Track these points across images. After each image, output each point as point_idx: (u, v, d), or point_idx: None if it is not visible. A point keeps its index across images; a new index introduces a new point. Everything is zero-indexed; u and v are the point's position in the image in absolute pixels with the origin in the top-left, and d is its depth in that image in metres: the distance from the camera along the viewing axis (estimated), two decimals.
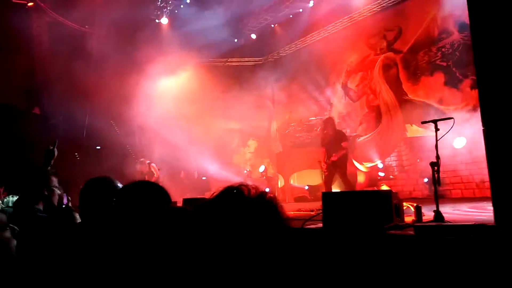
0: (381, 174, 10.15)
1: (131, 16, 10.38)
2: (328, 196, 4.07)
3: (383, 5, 10.38)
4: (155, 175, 9.61)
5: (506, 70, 3.16)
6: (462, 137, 8.05)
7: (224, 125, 12.38)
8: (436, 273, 2.82)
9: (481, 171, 7.53)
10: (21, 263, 1.96)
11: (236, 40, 13.01)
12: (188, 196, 8.82)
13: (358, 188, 9.51)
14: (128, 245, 1.44)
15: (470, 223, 3.00)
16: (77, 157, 11.01)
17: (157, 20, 12.00)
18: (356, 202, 3.70)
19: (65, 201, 3.01)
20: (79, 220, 2.34)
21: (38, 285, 1.79)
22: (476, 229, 2.87)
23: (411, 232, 3.20)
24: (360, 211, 3.58)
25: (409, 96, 9.90)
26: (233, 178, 11.95)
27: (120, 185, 2.16)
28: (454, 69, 8.98)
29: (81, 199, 2.13)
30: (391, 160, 10.28)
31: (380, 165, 10.23)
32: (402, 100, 10.01)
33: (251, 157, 13.54)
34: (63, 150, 3.32)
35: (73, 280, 1.67)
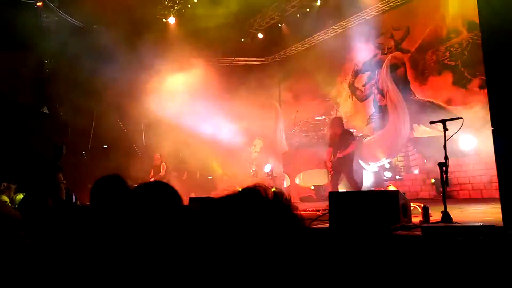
0: (388, 174, 10.09)
1: (138, 15, 10.42)
2: (335, 196, 4.06)
3: (391, 4, 10.32)
4: (161, 173, 9.70)
5: None
6: (470, 137, 7.99)
7: (231, 125, 12.38)
8: (444, 274, 2.80)
9: (489, 172, 7.47)
10: (33, 260, 1.97)
11: (243, 40, 13.01)
12: (193, 195, 8.86)
13: (364, 188, 9.47)
14: (139, 243, 1.45)
15: (478, 224, 2.97)
16: (84, 156, 11.08)
17: (164, 20, 12.03)
18: (363, 202, 3.69)
19: (73, 199, 3.04)
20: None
21: (50, 281, 1.80)
22: (485, 230, 2.84)
23: (419, 233, 3.19)
24: (367, 211, 3.57)
25: (417, 96, 9.84)
26: (239, 178, 11.97)
27: (131, 183, 2.17)
28: (462, 68, 8.90)
29: (91, 196, 2.14)
30: (398, 161, 10.22)
31: (387, 165, 10.17)
32: (410, 100, 9.95)
33: (257, 156, 13.54)
34: (71, 149, 3.34)
35: (83, 277, 1.68)
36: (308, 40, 12.40)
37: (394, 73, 10.45)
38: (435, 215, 4.09)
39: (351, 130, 8.38)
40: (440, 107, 9.13)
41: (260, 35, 12.95)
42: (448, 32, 9.27)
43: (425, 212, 3.90)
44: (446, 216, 3.75)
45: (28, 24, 9.23)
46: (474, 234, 2.82)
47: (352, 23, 11.18)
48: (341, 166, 7.10)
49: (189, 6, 11.74)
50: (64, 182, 2.76)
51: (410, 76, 10.09)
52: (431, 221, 3.85)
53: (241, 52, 13.15)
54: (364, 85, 11.30)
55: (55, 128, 9.74)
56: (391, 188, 9.04)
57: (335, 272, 3.13)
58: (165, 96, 10.96)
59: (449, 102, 9.02)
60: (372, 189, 9.65)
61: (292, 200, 1.00)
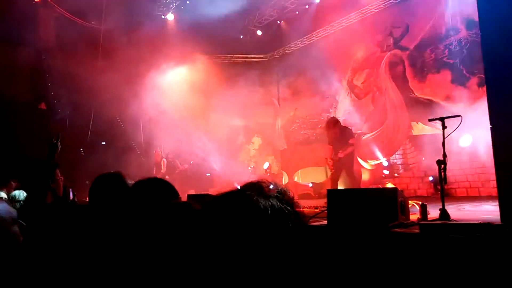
0: (386, 172, 10.11)
1: (136, 12, 10.39)
2: (333, 193, 4.06)
3: (390, 1, 10.31)
4: (162, 171, 9.69)
5: None
6: (468, 135, 8.00)
7: (229, 122, 12.37)
8: (442, 272, 2.80)
9: (487, 170, 7.48)
10: (30, 257, 1.97)
11: (241, 37, 12.98)
12: (193, 192, 8.85)
13: (362, 186, 9.48)
14: (138, 240, 1.44)
15: (476, 222, 2.98)
16: (82, 152, 11.06)
17: (163, 16, 11.99)
18: (361, 199, 3.69)
19: (70, 196, 3.03)
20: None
21: (46, 280, 1.80)
22: (482, 227, 2.85)
23: (416, 230, 3.19)
24: (365, 209, 3.57)
25: (416, 93, 9.84)
26: (237, 175, 11.97)
27: (130, 181, 2.16)
28: (461, 66, 8.91)
29: (91, 194, 2.13)
30: (396, 158, 10.24)
31: (385, 163, 10.19)
32: (408, 98, 9.95)
33: (256, 153, 13.54)
34: (68, 146, 3.33)
35: (81, 275, 1.67)
36: (307, 37, 12.38)
37: (393, 71, 10.45)
38: (433, 212, 4.10)
39: (349, 128, 8.39)
40: (438, 105, 9.14)
41: (259, 32, 12.92)
42: (447, 30, 9.26)
43: (423, 210, 3.91)
44: (444, 213, 3.76)
45: (25, 19, 9.19)
46: (472, 232, 2.83)
47: (351, 20, 11.16)
48: (343, 164, 7.14)
49: (187, 2, 11.70)
50: (62, 178, 2.75)
51: (409, 74, 10.09)
52: (429, 219, 3.86)
53: (239, 49, 13.12)
54: (363, 83, 11.29)
55: (52, 124, 9.72)
56: (389, 185, 9.07)
57: (333, 269, 3.14)
58: (164, 93, 10.94)
59: (447, 100, 9.03)
60: (370, 186, 9.67)
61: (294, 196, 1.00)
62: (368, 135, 10.77)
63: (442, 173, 3.87)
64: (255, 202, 0.91)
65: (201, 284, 0.89)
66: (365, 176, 10.39)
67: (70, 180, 2.95)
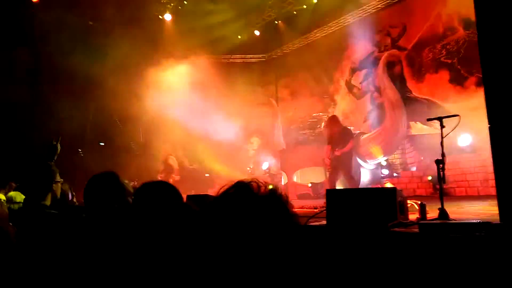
0: (385, 171, 10.11)
1: (134, 12, 10.38)
2: (332, 193, 4.06)
3: (388, 1, 10.33)
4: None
5: None
6: (466, 135, 8.01)
7: (228, 122, 12.36)
8: (441, 271, 2.81)
9: (486, 169, 7.49)
10: (26, 259, 1.96)
11: (239, 37, 12.97)
12: (193, 192, 8.84)
13: (361, 186, 9.48)
14: (136, 242, 1.44)
15: (475, 221, 2.98)
16: (81, 153, 11.04)
17: (160, 16, 11.98)
18: (360, 199, 3.69)
19: (69, 196, 3.02)
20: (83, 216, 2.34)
21: (44, 281, 1.80)
22: (481, 227, 2.85)
23: (416, 230, 3.19)
24: (364, 209, 3.57)
25: (414, 93, 9.86)
26: (236, 175, 11.95)
27: (125, 181, 2.16)
28: (459, 66, 8.93)
29: (86, 194, 2.13)
30: (395, 158, 10.25)
31: (384, 163, 10.20)
32: (407, 98, 9.97)
33: (255, 154, 13.53)
34: (67, 146, 3.32)
35: (79, 276, 1.67)
36: (305, 37, 12.38)
37: (390, 71, 10.47)
38: (432, 212, 4.10)
39: (349, 128, 8.39)
40: (436, 104, 9.16)
41: (257, 32, 12.92)
42: (445, 29, 9.28)
43: (422, 209, 3.91)
44: (443, 213, 3.76)
45: (24, 20, 9.17)
46: (471, 231, 2.83)
47: (348, 20, 11.18)
48: (340, 163, 7.12)
49: (185, 2, 11.70)
50: (62, 180, 2.74)
51: (406, 74, 10.11)
52: (428, 218, 3.86)
53: (237, 49, 13.11)
54: (361, 83, 11.30)
55: (51, 125, 9.69)
56: (388, 185, 9.07)
57: (333, 269, 3.15)
58: (162, 94, 10.92)
59: (445, 99, 9.05)
60: (369, 186, 9.68)
61: (288, 196, 1.00)
62: (366, 135, 10.78)
63: (441, 173, 3.87)
64: (243, 204, 0.91)
65: (199, 284, 0.89)
66: (363, 176, 10.40)
67: (68, 180, 2.94)
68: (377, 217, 3.48)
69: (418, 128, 9.56)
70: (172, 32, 11.85)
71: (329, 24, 11.61)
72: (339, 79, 11.87)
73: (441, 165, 3.88)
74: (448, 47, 9.21)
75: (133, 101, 10.53)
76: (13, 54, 9.42)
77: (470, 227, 2.88)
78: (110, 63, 9.51)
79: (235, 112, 11.93)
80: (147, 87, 10.80)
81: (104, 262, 1.57)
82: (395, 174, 10.06)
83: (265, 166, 12.68)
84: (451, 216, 3.78)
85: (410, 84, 9.98)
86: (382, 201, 3.56)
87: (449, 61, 9.15)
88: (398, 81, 10.24)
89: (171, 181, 10.68)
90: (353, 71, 11.52)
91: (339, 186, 7.61)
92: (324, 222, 3.88)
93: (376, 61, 10.84)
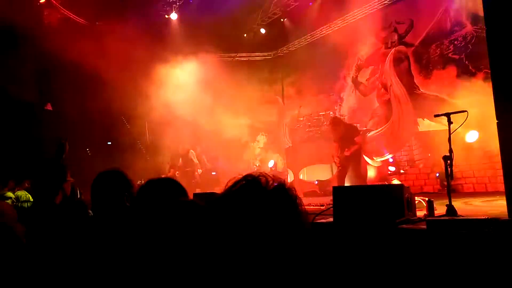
0: (392, 168, 10.07)
1: (140, 11, 10.42)
2: (339, 191, 4.05)
3: None
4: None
5: None
6: (474, 131, 7.95)
7: (234, 120, 12.37)
8: (449, 268, 2.79)
9: (494, 165, 7.43)
10: (36, 258, 1.98)
11: (245, 35, 12.97)
12: (198, 191, 8.87)
13: (368, 182, 9.45)
14: (142, 239, 1.45)
15: (483, 217, 2.96)
16: (88, 152, 11.12)
17: (166, 16, 12.01)
18: (367, 196, 3.68)
19: (77, 195, 3.05)
20: (91, 214, 2.36)
21: (51, 278, 1.81)
22: (489, 223, 2.83)
23: (423, 227, 3.18)
24: (371, 206, 3.56)
25: (421, 89, 9.79)
26: (243, 173, 11.94)
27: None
28: (466, 62, 8.85)
29: (92, 191, 2.14)
30: (402, 155, 10.19)
31: (391, 160, 10.15)
32: (414, 94, 9.90)
33: (261, 152, 13.53)
34: (74, 145, 3.35)
35: (85, 274, 1.68)
36: (310, 34, 12.35)
37: (398, 67, 10.40)
38: (440, 208, 4.08)
39: (354, 125, 8.37)
40: (444, 100, 9.09)
41: (263, 30, 12.90)
42: (452, 25, 9.20)
43: (430, 206, 3.89)
44: (450, 209, 3.74)
45: (31, 21, 9.24)
46: (479, 228, 2.81)
47: (355, 17, 11.12)
48: (349, 162, 7.15)
49: (191, 1, 11.71)
50: (72, 180, 2.77)
51: (414, 70, 10.04)
52: (435, 215, 3.84)
53: (243, 47, 13.12)
54: (367, 80, 11.25)
55: (59, 125, 9.77)
56: (395, 182, 9.04)
57: (340, 266, 3.14)
58: (168, 92, 10.95)
59: (453, 95, 8.97)
60: (376, 183, 9.64)
61: (295, 190, 0.99)
62: (373, 132, 10.74)
63: (449, 169, 3.85)
64: (248, 198, 0.91)
65: (202, 282, 0.89)
66: (371, 173, 10.36)
67: (76, 179, 2.97)
68: (384, 214, 3.47)
69: (426, 124, 9.50)
70: (178, 31, 11.88)
71: (335, 21, 11.56)
72: (346, 76, 11.82)
73: (448, 162, 3.85)
74: (455, 42, 9.13)
75: (139, 100, 10.58)
76: (20, 53, 9.49)
77: (478, 223, 2.86)
78: (116, 63, 9.56)
79: (241, 110, 11.93)
80: (154, 86, 10.84)
81: (112, 260, 1.58)
82: (402, 171, 10.01)
83: (271, 163, 12.69)
84: (459, 212, 3.76)
85: (418, 80, 9.92)
86: (390, 198, 3.55)
87: (457, 56, 9.08)
88: (405, 77, 10.17)
89: (196, 174, 10.70)
90: (360, 67, 11.46)
91: (346, 183, 7.60)
92: (331, 219, 3.87)
93: (383, 57, 10.77)
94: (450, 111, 4.13)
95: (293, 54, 13.07)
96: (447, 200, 3.81)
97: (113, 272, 1.55)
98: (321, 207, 5.26)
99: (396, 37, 10.53)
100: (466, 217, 3.44)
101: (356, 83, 11.57)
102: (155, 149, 11.45)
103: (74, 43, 9.69)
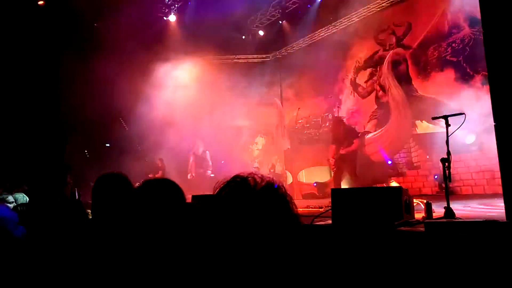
0: (390, 171, 10.08)
1: (138, 13, 10.41)
2: (337, 193, 4.06)
3: (392, 0, 10.29)
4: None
5: None
6: (472, 133, 7.97)
7: (232, 122, 12.38)
8: (447, 270, 2.80)
9: (492, 167, 7.45)
10: (35, 260, 1.98)
11: (243, 37, 12.98)
12: (196, 193, 8.85)
13: (366, 185, 9.46)
14: (141, 242, 1.45)
15: (481, 220, 2.97)
16: (86, 154, 11.10)
17: (165, 18, 12.02)
18: (365, 198, 3.68)
19: (76, 196, 3.05)
20: (90, 216, 2.35)
21: (50, 280, 1.81)
22: (488, 225, 2.84)
23: (421, 229, 3.19)
24: (370, 208, 3.57)
25: (419, 92, 9.81)
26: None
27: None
28: (464, 64, 8.87)
29: (94, 194, 2.14)
30: (400, 157, 10.20)
31: (389, 162, 10.16)
32: (412, 96, 9.92)
33: (259, 154, 13.54)
34: (73, 148, 3.36)
35: (85, 276, 1.68)
36: (309, 37, 12.36)
37: (396, 70, 10.42)
38: (438, 211, 4.09)
39: (353, 127, 8.39)
40: (442, 103, 9.10)
41: (261, 33, 12.92)
42: (450, 27, 9.23)
43: (428, 208, 3.90)
44: (449, 212, 3.75)
45: (30, 23, 9.23)
46: (477, 230, 2.82)
47: (353, 19, 11.15)
48: (344, 162, 7.14)
49: (189, 3, 11.72)
50: (72, 181, 2.78)
51: (412, 73, 10.06)
52: (434, 217, 3.85)
53: (242, 49, 13.13)
54: (366, 82, 11.27)
55: (57, 127, 9.75)
56: (394, 184, 9.05)
57: (339, 268, 3.14)
58: (167, 94, 10.96)
59: (451, 98, 8.99)
60: (374, 185, 9.64)
61: (285, 188, 0.98)
62: (371, 134, 10.75)
63: (447, 171, 3.86)
64: (237, 198, 0.91)
65: (201, 283, 0.89)
66: (369, 175, 10.37)
67: (74, 181, 2.97)
68: (383, 216, 3.47)
69: (424, 126, 9.52)
70: (176, 33, 11.88)
71: (333, 23, 11.59)
72: (344, 78, 11.84)
73: (446, 164, 3.86)
74: (453, 45, 9.16)
75: (137, 102, 10.58)
76: (20, 57, 9.49)
77: (476, 225, 2.87)
78: (115, 65, 9.56)
79: (239, 112, 11.94)
80: (152, 88, 10.84)
81: (110, 262, 1.58)
82: (400, 173, 10.02)
83: (269, 166, 12.69)
84: (457, 214, 3.77)
85: (416, 82, 9.94)
86: (388, 200, 3.56)
87: (455, 59, 9.10)
88: (403, 79, 10.20)
89: (208, 173, 10.62)
90: (358, 70, 11.48)
91: (344, 185, 7.60)
92: (329, 221, 3.88)
93: (381, 60, 10.80)
94: (448, 114, 4.14)
95: (292, 56, 13.09)
96: (445, 202, 3.82)
97: (112, 274, 1.55)
98: (320, 209, 5.28)
99: (394, 39, 10.56)
100: (464, 219, 3.45)
101: (354, 85, 11.59)
102: (152, 151, 11.44)
103: (71, 44, 9.70)
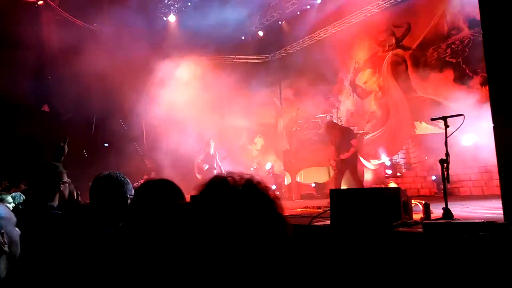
0: (389, 171, 10.09)
1: (138, 14, 10.41)
2: (336, 193, 4.05)
3: (392, 1, 10.30)
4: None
5: None
6: (471, 134, 7.97)
7: (231, 123, 12.38)
8: (445, 271, 2.80)
9: (490, 169, 7.46)
10: (31, 260, 1.97)
11: (243, 38, 12.99)
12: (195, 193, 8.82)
13: (365, 185, 9.47)
14: (141, 242, 1.45)
15: (480, 221, 2.97)
16: (85, 154, 11.10)
17: (164, 18, 12.01)
18: (364, 199, 3.68)
19: (74, 196, 3.05)
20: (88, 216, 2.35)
21: (48, 281, 1.81)
22: (486, 226, 2.84)
23: (420, 230, 3.18)
24: (368, 208, 3.57)
25: (418, 93, 9.82)
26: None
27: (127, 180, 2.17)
28: (463, 65, 8.89)
29: (91, 194, 2.14)
30: (399, 158, 10.22)
31: (388, 163, 10.17)
32: (411, 97, 9.93)
33: (258, 154, 13.54)
34: (71, 147, 3.35)
35: (83, 276, 1.68)
36: (308, 37, 12.37)
37: (395, 70, 10.43)
38: (436, 212, 4.09)
39: (349, 128, 8.38)
40: (441, 104, 9.11)
41: (261, 33, 12.93)
42: (449, 29, 9.24)
43: (426, 209, 3.90)
44: (447, 212, 3.74)
45: (28, 23, 9.23)
46: (475, 231, 2.82)
47: (352, 20, 11.16)
48: (346, 165, 7.16)
49: (189, 4, 11.73)
50: (69, 181, 2.77)
51: (411, 73, 10.07)
52: (432, 218, 3.85)
53: (241, 50, 13.13)
54: (365, 83, 11.28)
55: (56, 126, 9.75)
56: (392, 185, 9.05)
57: (337, 268, 3.14)
58: (166, 95, 10.96)
59: (450, 99, 9.00)
60: (373, 186, 9.65)
61: (266, 183, 0.98)
62: (370, 135, 10.76)
63: (445, 172, 3.86)
64: (217, 197, 0.91)
65: (198, 283, 0.89)
66: (367, 176, 10.38)
67: (73, 181, 2.97)
68: (381, 217, 3.47)
69: (422, 127, 9.53)
70: (176, 33, 11.89)
71: (333, 24, 11.60)
72: (343, 79, 11.85)
73: (445, 165, 3.86)
74: (453, 46, 9.17)
75: (136, 102, 10.58)
76: (18, 57, 9.48)
77: (474, 226, 2.87)
78: (114, 65, 9.56)
79: (238, 112, 11.94)
80: (151, 88, 10.84)
81: (110, 262, 1.58)
82: (399, 174, 10.03)
83: (268, 166, 12.68)
84: (455, 215, 3.77)
85: (415, 83, 9.95)
86: (386, 201, 3.56)
87: (454, 60, 9.11)
88: (403, 80, 10.21)
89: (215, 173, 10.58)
90: (357, 70, 11.50)
91: (343, 186, 7.61)
92: (328, 222, 3.87)
93: (381, 60, 10.81)
94: (447, 115, 4.14)
95: (291, 57, 13.10)
96: (444, 203, 3.82)
97: (111, 274, 1.55)
98: (318, 210, 5.28)
99: (393, 40, 10.57)
100: (462, 221, 3.45)
101: (353, 86, 11.60)
102: (152, 151, 11.44)
103: (71, 45, 9.69)
